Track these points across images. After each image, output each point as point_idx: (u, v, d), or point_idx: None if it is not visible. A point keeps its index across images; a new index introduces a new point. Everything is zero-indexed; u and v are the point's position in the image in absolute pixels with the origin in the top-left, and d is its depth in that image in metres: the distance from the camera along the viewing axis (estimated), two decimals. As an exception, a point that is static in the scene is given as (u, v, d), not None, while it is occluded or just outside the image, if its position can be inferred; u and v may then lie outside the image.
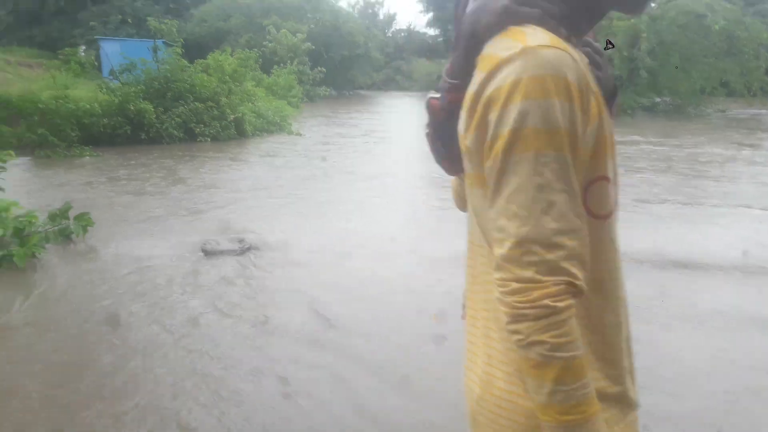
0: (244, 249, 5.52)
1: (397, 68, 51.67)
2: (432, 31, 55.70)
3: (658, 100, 22.34)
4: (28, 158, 10.39)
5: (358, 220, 6.82)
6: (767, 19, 22.26)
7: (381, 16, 54.72)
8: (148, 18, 16.84)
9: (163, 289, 4.61)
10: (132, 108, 12.12)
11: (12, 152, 6.20)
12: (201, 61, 15.09)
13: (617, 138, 0.99)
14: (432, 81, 40.83)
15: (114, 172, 9.54)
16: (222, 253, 5.45)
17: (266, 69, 22.98)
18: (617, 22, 19.96)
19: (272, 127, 15.27)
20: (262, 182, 8.92)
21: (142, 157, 10.85)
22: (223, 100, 13.53)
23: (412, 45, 54.75)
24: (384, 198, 8.22)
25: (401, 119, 22.58)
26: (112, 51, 25.62)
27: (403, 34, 57.71)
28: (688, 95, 21.37)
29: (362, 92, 40.03)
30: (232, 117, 13.46)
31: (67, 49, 14.07)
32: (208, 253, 5.43)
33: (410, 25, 55.93)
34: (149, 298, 4.43)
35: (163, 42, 15.33)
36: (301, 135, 14.80)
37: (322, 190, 8.54)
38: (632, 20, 19.64)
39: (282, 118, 16.03)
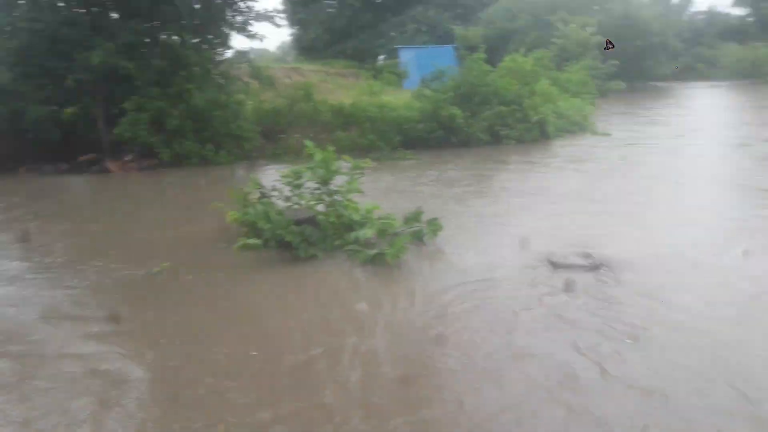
0: (596, 265, 5.29)
1: (697, 55, 45.94)
2: (739, 11, 48.21)
3: None
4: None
5: (703, 239, 6.08)
6: None
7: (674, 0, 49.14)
8: (454, 27, 17.70)
9: (518, 301, 4.62)
10: (443, 113, 12.81)
11: (369, 160, 6.96)
12: (503, 63, 15.28)
13: None
14: (745, 68, 35.35)
15: (434, 175, 10.16)
16: (570, 267, 5.31)
17: (556, 66, 22.42)
18: None
19: (574, 127, 14.76)
20: (583, 190, 8.58)
21: (457, 159, 11.39)
22: (526, 102, 13.48)
23: (714, 28, 48.07)
24: (722, 213, 7.20)
25: (716, 114, 19.91)
26: (408, 58, 27.83)
27: (701, 16, 51.10)
28: None
29: (658, 84, 36.33)
30: (535, 119, 13.34)
31: (373, 62, 15.59)
32: (556, 266, 5.34)
33: (711, 5, 48.93)
34: (508, 309, 4.47)
35: (453, 46, 15.92)
36: (608, 135, 14.02)
37: (650, 202, 7.85)
38: None
39: (583, 117, 15.40)
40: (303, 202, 6.36)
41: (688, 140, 13.50)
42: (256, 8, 13.33)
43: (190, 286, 5.24)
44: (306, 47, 36.62)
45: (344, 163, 6.34)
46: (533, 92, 13.99)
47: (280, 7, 34.28)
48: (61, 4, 11.97)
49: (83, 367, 3.77)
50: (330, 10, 36.31)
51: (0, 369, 3.80)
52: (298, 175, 6.32)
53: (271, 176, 8.17)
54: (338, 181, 6.26)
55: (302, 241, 5.70)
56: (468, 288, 4.91)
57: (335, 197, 6.19)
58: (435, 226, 6.13)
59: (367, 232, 5.75)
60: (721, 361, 3.58)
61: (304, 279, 5.30)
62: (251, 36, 13.15)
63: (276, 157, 11.83)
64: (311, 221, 5.96)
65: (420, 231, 6.13)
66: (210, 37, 13.01)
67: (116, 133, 11.45)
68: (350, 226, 5.96)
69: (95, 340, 4.16)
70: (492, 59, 15.69)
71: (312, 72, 20.72)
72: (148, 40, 12.40)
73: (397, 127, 12.63)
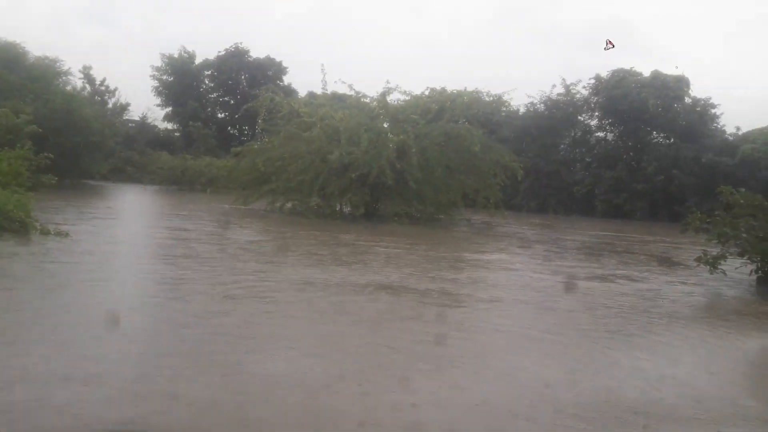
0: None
1: (127, 159, 47.24)
2: (169, 125, 52.89)
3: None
4: None
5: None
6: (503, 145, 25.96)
7: (110, 105, 50.10)
8: None
9: None
10: None
11: None
12: None
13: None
14: (176, 175, 38.01)
15: None
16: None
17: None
18: (391, 137, 21.12)
19: (14, 224, 11.63)
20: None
21: None
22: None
23: (146, 136, 51.01)
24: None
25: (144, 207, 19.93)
26: None
27: (132, 124, 53.58)
28: (445, 206, 23.41)
29: (91, 182, 35.31)
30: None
31: None
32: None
33: (144, 116, 51.92)
34: None
35: None
36: (65, 236, 11.49)
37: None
38: (402, 136, 20.99)
39: (25, 213, 12.41)
40: None
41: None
42: None
43: None
44: None
45: None
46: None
47: None
48: None
49: None
50: None
51: None
52: None
53: None
54: None
55: None
56: None
57: None
58: None
59: None
60: None
61: None
62: None
63: None
64: None
65: None
66: None
67: None
68: None
69: None
70: None
71: None
72: None
73: None
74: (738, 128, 39.66)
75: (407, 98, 24.78)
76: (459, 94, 24.57)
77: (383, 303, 7.94)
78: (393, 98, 24.69)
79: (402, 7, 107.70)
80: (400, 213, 21.47)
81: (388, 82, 24.73)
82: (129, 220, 18.86)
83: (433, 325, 7.04)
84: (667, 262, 15.12)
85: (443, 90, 25.22)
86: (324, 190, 21.55)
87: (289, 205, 22.94)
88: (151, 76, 51.21)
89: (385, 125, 22.98)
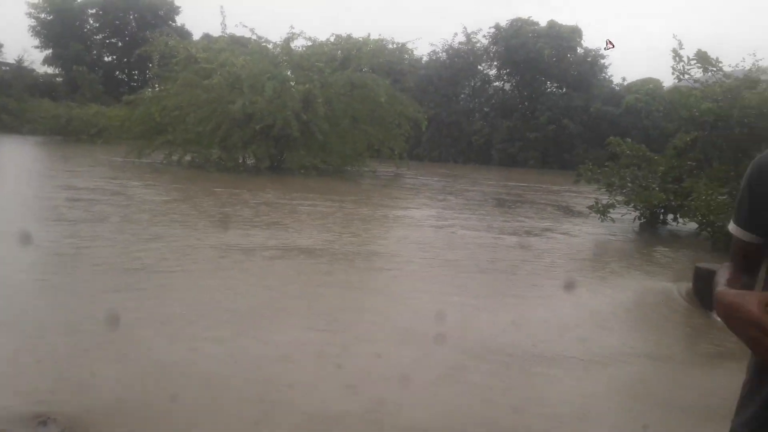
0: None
1: (2, 106, 42.95)
2: (50, 70, 48.42)
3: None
4: None
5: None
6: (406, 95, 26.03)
7: (-22, 47, 44.99)
8: None
9: None
10: None
11: None
12: None
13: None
14: (60, 125, 35.12)
15: None
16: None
17: None
18: (296, 86, 20.57)
19: None
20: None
21: None
22: None
23: (23, 81, 46.45)
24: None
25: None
26: None
27: (5, 68, 48.56)
28: (351, 157, 23.37)
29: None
30: None
31: None
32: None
33: (20, 59, 47.05)
34: None
35: None
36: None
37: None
38: (307, 85, 20.51)
39: None
40: None
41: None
42: None
43: None
44: None
45: None
46: None
47: None
48: None
49: None
50: None
51: None
52: None
53: None
54: None
55: None
56: None
57: None
58: None
59: None
60: None
61: None
62: None
63: None
64: None
65: None
66: None
67: None
68: None
69: None
70: None
71: None
72: None
73: None
74: (624, 78, 42.30)
75: (312, 45, 24.16)
76: (365, 42, 24.23)
77: (306, 268, 7.82)
78: (297, 44, 24.01)
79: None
80: (307, 165, 21.23)
81: (291, 27, 23.98)
82: (7, 176, 17.34)
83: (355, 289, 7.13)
84: (568, 211, 16.06)
85: (349, 37, 24.77)
86: (225, 141, 20.79)
87: (188, 157, 21.98)
88: (27, 14, 46.45)
89: (289, 73, 22.35)
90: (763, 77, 13.81)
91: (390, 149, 24.71)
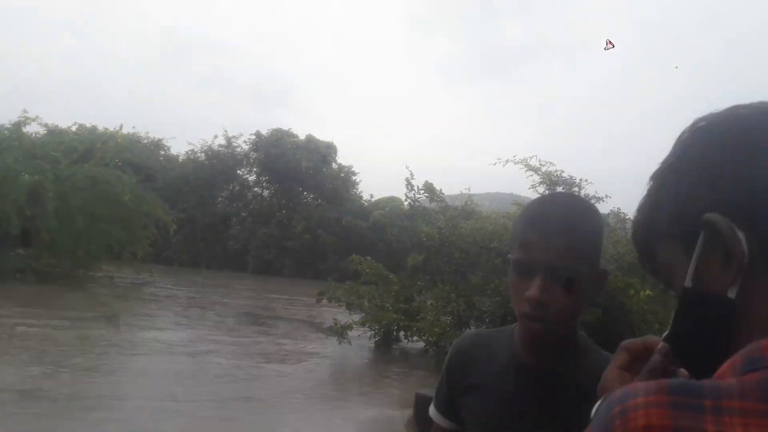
0: None
1: None
2: None
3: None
4: None
5: None
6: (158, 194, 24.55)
7: None
8: None
9: None
10: None
11: None
12: None
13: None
14: None
15: None
16: None
17: None
18: (23, 176, 18.08)
19: None
20: None
21: None
22: None
23: None
24: None
25: None
26: None
27: None
28: (84, 260, 20.93)
29: None
30: None
31: None
32: None
33: None
34: None
35: None
36: None
37: None
38: (36, 176, 18.23)
39: None
40: None
41: None
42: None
43: None
44: None
45: None
46: None
47: None
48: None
49: None
50: None
51: None
52: None
53: None
54: None
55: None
56: None
57: None
58: None
59: None
60: None
61: None
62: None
63: None
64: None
65: None
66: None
67: None
68: None
69: None
70: None
71: None
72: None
73: None
74: (372, 195, 46.18)
75: (49, 132, 21.87)
76: (112, 135, 22.73)
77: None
78: (31, 130, 21.49)
79: (54, 27, 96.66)
80: (25, 268, 18.32)
81: (25, 111, 21.40)
82: None
83: None
84: (318, 328, 16.03)
85: (94, 128, 23.11)
86: None
87: None
88: None
89: (18, 161, 19.66)
90: (477, 208, 16.29)
91: (132, 253, 22.68)
